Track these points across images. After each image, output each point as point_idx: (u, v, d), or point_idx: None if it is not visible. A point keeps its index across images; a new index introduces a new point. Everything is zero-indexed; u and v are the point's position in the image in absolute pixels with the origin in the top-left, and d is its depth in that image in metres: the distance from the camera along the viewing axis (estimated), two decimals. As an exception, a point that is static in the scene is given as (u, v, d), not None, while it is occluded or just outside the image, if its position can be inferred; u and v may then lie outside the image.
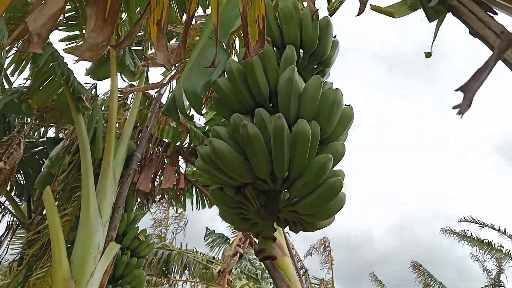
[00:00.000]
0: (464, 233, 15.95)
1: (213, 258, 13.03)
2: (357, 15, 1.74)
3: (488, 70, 1.05)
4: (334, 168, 2.03)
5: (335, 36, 2.48)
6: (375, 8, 2.07)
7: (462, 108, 0.97)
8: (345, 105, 2.19)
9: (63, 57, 5.04)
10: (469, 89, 1.01)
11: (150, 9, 1.55)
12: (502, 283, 15.24)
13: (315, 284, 16.59)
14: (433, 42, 1.99)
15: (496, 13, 1.75)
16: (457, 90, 1.02)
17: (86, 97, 5.91)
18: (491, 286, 15.47)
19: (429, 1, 1.89)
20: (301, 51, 2.35)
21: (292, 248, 15.78)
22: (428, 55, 1.97)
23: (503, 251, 15.12)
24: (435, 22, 1.89)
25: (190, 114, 2.70)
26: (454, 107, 0.98)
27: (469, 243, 15.64)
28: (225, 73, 2.21)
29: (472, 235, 15.69)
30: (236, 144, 1.97)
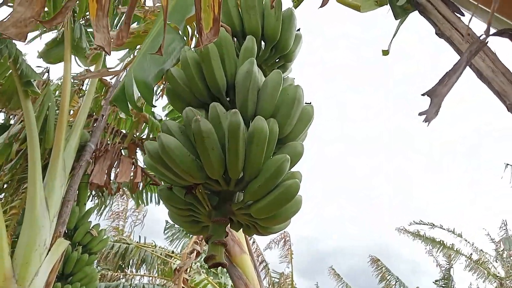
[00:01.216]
0: (417, 233, 16.75)
1: (172, 252, 12.80)
2: (320, 7, 1.63)
3: (457, 74, 0.96)
4: (292, 169, 1.92)
5: (298, 30, 2.37)
6: (341, 1, 1.97)
7: (429, 114, 0.87)
8: (305, 103, 2.10)
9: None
10: (436, 94, 0.91)
11: (88, -15, 1.36)
12: (451, 277, 16.13)
13: (275, 278, 16.72)
14: (392, 39, 1.92)
15: (463, 14, 1.69)
16: (423, 94, 0.92)
17: (38, 82, 5.54)
18: (442, 280, 16.31)
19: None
20: (263, 43, 2.23)
21: (253, 242, 15.81)
22: (386, 53, 1.89)
23: (454, 249, 15.99)
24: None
25: (140, 106, 2.52)
26: (420, 114, 0.87)
27: (423, 242, 16.41)
28: (179, 62, 2.05)
29: (425, 234, 16.49)
30: (188, 140, 1.82)
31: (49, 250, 4.05)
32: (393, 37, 2.05)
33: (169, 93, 2.13)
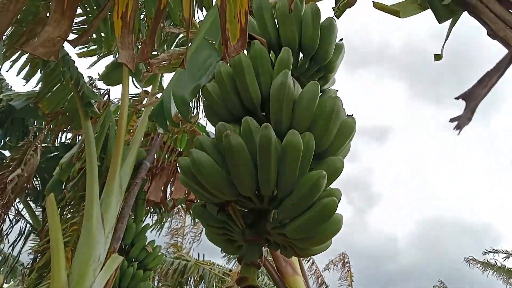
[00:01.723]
0: (488, 263, 15.06)
1: (230, 270, 12.81)
2: (348, 7, 1.53)
3: (499, 74, 0.81)
4: (330, 186, 1.81)
5: (341, 40, 2.27)
6: (379, 7, 1.85)
7: (462, 120, 0.74)
8: (347, 115, 1.98)
9: (74, 61, 5.01)
10: (473, 97, 0.77)
11: (114, 0, 1.39)
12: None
13: (336, 301, 16.08)
14: (444, 43, 1.75)
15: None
16: (458, 98, 0.79)
17: (99, 103, 5.89)
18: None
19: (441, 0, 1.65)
20: (302, 55, 2.16)
21: (312, 263, 15.38)
22: (438, 57, 1.73)
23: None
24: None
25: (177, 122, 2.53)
26: (451, 120, 0.74)
27: (495, 272, 14.76)
28: (214, 77, 2.04)
29: (497, 263, 14.81)
30: (220, 156, 1.77)
31: (104, 265, 4.20)
32: (445, 41, 1.88)
33: (206, 109, 2.12)
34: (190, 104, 5.91)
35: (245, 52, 2.11)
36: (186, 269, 12.80)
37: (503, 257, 14.79)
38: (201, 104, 6.36)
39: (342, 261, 15.48)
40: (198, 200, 1.97)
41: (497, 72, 0.82)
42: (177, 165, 6.78)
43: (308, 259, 14.83)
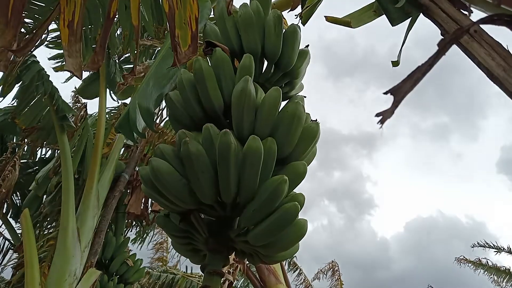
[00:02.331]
0: (479, 261, 14.90)
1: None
2: (290, 10, 1.53)
3: (427, 67, 0.81)
4: (294, 191, 1.79)
5: (307, 46, 2.28)
6: (331, 20, 1.86)
7: (386, 114, 0.72)
8: (312, 120, 1.97)
9: (48, 75, 4.94)
10: (400, 92, 0.76)
11: (60, 9, 1.36)
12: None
13: (326, 310, 15.94)
14: (401, 48, 1.76)
15: (471, 11, 1.51)
16: (386, 93, 0.78)
17: (76, 117, 5.81)
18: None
19: (395, 2, 1.66)
20: (266, 62, 2.16)
21: (300, 273, 15.26)
22: (396, 63, 1.73)
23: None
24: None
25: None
26: (377, 114, 0.73)
27: (486, 271, 14.65)
28: (177, 84, 2.02)
29: (488, 263, 14.70)
30: (181, 164, 1.74)
31: (80, 280, 4.09)
32: (401, 46, 1.89)
33: (170, 117, 2.09)
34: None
35: (208, 60, 2.10)
36: (174, 283, 12.58)
37: (495, 252, 14.53)
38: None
39: (331, 269, 15.38)
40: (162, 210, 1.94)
41: (426, 66, 0.82)
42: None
43: (295, 268, 14.73)
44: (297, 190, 1.80)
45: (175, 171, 1.70)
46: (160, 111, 6.26)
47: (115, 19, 4.64)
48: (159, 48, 5.15)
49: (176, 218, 1.79)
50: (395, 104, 0.72)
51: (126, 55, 6.10)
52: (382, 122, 0.69)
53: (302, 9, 2.50)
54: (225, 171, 1.62)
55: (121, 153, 6.37)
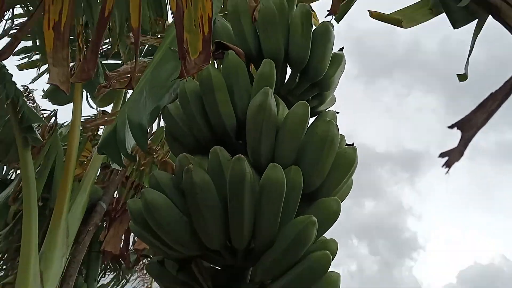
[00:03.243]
0: None
1: None
2: (327, 15, 1.58)
3: (504, 96, 0.83)
4: (324, 235, 1.82)
5: (341, 49, 2.32)
6: (376, 16, 1.91)
7: (453, 155, 0.75)
8: (347, 145, 2.01)
9: (11, 75, 5.05)
10: (469, 126, 0.79)
11: (44, 7, 1.42)
12: None
13: None
14: (468, 59, 1.80)
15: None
16: (451, 127, 0.80)
17: (43, 128, 5.91)
18: None
19: (457, 1, 1.71)
20: (290, 69, 2.21)
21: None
22: (463, 78, 1.77)
23: None
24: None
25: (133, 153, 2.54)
26: (441, 155, 0.76)
27: None
28: (178, 96, 2.07)
29: None
30: (182, 197, 1.78)
31: None
32: (469, 55, 1.93)
33: (167, 136, 2.14)
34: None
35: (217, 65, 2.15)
36: None
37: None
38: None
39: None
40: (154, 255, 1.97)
41: (502, 94, 0.84)
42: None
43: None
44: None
45: (174, 206, 1.74)
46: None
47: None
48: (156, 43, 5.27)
49: (174, 267, 1.82)
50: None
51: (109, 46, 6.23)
52: (448, 165, 0.71)
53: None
54: (237, 208, 1.65)
55: (98, 175, 6.43)
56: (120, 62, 6.42)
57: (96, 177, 6.06)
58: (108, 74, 4.28)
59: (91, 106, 6.15)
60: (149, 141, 6.33)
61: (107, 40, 5.50)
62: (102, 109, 6.57)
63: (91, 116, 7.06)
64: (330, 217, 1.79)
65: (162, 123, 5.43)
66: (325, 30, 2.18)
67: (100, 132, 6.94)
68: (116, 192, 6.37)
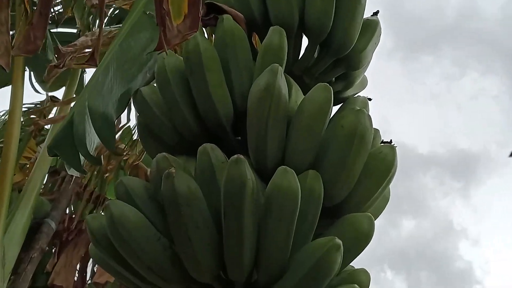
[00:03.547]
0: None
1: None
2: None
3: None
4: (351, 264, 1.83)
5: (375, 13, 2.34)
6: None
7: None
8: (382, 142, 2.02)
9: None
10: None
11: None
12: None
13: None
14: None
15: None
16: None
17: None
18: None
19: None
20: (305, 39, 2.22)
21: None
22: None
23: None
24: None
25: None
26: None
27: None
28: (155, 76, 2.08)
29: None
30: (160, 212, 1.79)
31: None
32: None
33: (141, 130, 2.15)
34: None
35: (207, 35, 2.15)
36: None
37: None
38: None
39: None
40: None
41: None
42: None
43: None
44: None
45: (149, 223, 1.75)
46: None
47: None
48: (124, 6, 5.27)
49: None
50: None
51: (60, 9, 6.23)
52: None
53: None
54: (234, 227, 1.66)
55: (44, 183, 6.44)
56: (75, 31, 6.43)
57: (43, 186, 6.07)
58: (62, 49, 4.30)
59: (36, 91, 6.12)
60: (116, 138, 6.35)
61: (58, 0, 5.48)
62: (51, 94, 6.55)
63: (36, 104, 7.07)
64: (359, 240, 1.81)
65: (134, 113, 5.43)
66: (354, -12, 2.19)
67: (48, 126, 6.96)
68: (69, 206, 6.37)
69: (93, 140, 2.08)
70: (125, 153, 6.01)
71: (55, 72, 5.21)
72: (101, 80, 2.24)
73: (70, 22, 6.24)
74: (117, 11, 5.90)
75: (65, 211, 6.14)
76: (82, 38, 4.42)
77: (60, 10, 5.93)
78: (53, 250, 6.20)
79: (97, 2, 4.56)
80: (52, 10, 5.75)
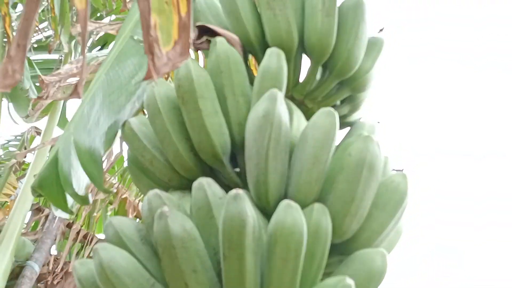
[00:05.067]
0: None
1: None
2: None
3: None
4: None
5: (381, 30, 2.35)
6: None
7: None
8: (393, 170, 2.02)
9: None
10: None
11: None
12: None
13: None
14: None
15: None
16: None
17: None
18: None
19: None
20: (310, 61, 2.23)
21: None
22: None
23: None
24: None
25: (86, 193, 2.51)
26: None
27: None
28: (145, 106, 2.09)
29: None
30: (153, 255, 1.79)
31: None
32: None
33: (130, 164, 2.15)
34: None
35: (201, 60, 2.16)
36: None
37: None
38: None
39: None
40: None
41: None
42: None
43: None
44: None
45: (142, 269, 1.74)
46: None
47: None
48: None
49: None
50: None
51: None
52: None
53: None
54: (235, 269, 1.65)
55: (27, 221, 6.43)
56: (57, 56, 6.48)
57: (24, 226, 6.06)
58: (45, 79, 4.31)
59: (15, 122, 6.13)
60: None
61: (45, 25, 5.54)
62: (32, 124, 6.57)
63: (16, 136, 7.08)
64: (372, 278, 1.79)
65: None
66: (356, 5, 2.20)
67: (30, 158, 6.95)
68: (53, 245, 6.34)
69: (81, 179, 2.08)
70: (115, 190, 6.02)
71: (40, 105, 5.25)
72: (86, 112, 2.24)
73: (43, 47, 6.30)
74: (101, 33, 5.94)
75: (50, 252, 6.10)
76: (66, 66, 4.42)
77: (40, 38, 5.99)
78: (38, 296, 6.16)
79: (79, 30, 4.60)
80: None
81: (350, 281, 1.66)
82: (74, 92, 1.54)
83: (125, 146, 2.57)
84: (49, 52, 6.13)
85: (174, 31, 1.50)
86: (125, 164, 6.12)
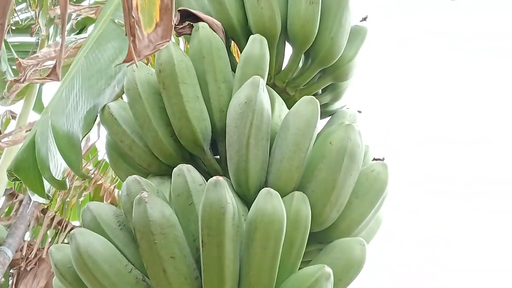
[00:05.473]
0: None
1: None
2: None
3: None
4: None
5: (364, 19, 2.36)
6: None
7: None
8: (374, 159, 2.04)
9: None
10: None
11: None
12: None
13: None
14: None
15: None
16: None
17: None
18: None
19: None
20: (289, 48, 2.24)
21: None
22: None
23: None
24: None
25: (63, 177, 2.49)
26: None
27: None
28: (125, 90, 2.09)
29: None
30: (131, 241, 1.79)
31: None
32: None
33: (109, 150, 2.15)
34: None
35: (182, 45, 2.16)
36: None
37: None
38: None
39: None
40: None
41: None
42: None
43: None
44: None
45: (120, 255, 1.75)
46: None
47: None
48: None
49: None
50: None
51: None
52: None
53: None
54: (214, 256, 1.66)
55: (0, 206, 6.40)
56: (35, 39, 6.41)
57: (-2, 210, 6.03)
58: (23, 62, 4.28)
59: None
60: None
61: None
62: (7, 108, 6.52)
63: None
64: (351, 268, 1.81)
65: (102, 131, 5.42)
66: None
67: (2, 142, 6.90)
68: (27, 231, 6.31)
69: (58, 163, 2.07)
70: (93, 175, 5.99)
71: (16, 87, 5.20)
72: (65, 96, 2.23)
73: (23, 30, 6.24)
74: (80, 17, 5.89)
75: (23, 237, 6.07)
76: (44, 50, 4.39)
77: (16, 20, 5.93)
78: (10, 282, 6.13)
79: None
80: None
81: (328, 270, 1.67)
82: (53, 73, 1.55)
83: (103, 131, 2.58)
84: (31, 35, 6.07)
85: (156, 13, 1.51)
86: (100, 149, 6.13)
